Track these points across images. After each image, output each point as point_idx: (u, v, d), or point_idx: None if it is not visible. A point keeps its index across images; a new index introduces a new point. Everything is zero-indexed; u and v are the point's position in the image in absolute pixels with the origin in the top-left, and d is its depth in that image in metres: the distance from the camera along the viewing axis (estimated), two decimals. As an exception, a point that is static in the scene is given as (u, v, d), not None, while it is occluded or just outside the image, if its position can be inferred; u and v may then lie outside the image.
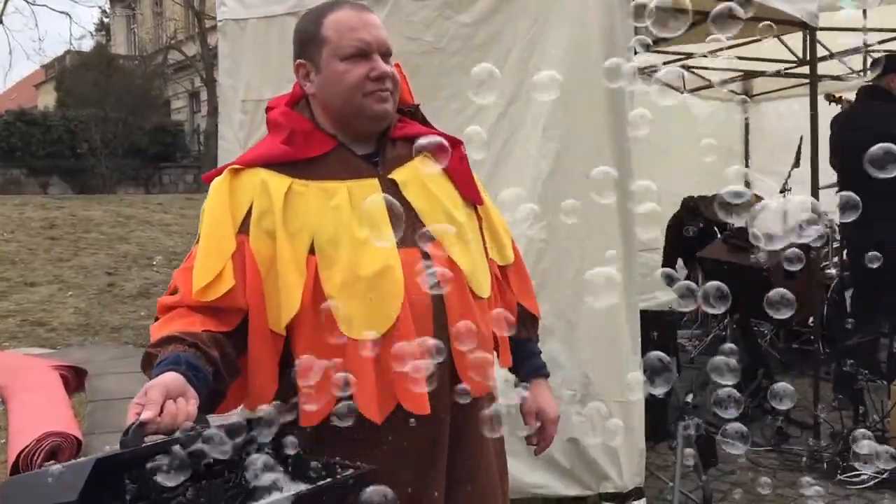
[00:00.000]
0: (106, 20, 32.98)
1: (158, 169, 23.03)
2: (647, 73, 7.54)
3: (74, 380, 5.69)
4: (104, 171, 19.75)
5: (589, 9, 3.21)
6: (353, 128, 1.74)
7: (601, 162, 3.22)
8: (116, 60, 26.05)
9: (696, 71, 7.88)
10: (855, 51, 6.78)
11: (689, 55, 7.05)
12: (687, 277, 7.29)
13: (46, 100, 29.03)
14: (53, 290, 8.50)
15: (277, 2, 3.94)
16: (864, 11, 6.32)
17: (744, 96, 8.71)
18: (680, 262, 6.79)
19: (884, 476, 3.87)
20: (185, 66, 25.20)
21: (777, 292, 1.88)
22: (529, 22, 3.32)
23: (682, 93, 8.13)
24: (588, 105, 3.16)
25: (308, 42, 1.73)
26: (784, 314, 1.88)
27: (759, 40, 6.12)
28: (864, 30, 6.56)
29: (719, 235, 6.04)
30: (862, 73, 7.24)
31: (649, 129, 2.10)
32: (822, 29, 4.96)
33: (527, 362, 1.94)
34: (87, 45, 29.79)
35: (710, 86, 8.15)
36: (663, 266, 7.30)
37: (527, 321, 1.93)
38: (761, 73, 7.76)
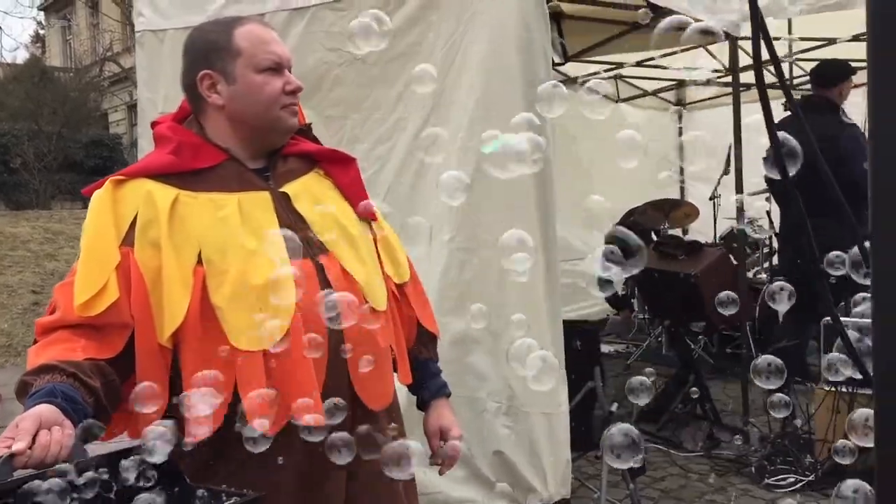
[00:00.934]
0: (41, 32, 32.23)
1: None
2: (579, 82, 7.65)
3: (-14, 405, 5.46)
4: (38, 185, 19.21)
5: (507, 20, 3.20)
6: (261, 140, 1.73)
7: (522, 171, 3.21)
8: (51, 72, 25.43)
9: (628, 80, 7.99)
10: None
11: (620, 65, 7.14)
12: (625, 287, 7.36)
13: (-21, 113, 28.17)
14: (-25, 311, 8.21)
15: (196, 12, 3.85)
16: (789, 21, 6.47)
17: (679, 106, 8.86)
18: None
19: (809, 479, 3.93)
20: (123, 78, 24.72)
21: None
22: (448, 32, 3.30)
23: (616, 102, 8.23)
24: (507, 115, 3.13)
25: (218, 52, 1.70)
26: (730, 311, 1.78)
27: (686, 50, 6.26)
28: (789, 39, 6.73)
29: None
30: (788, 82, 7.41)
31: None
32: (744, 38, 5.05)
33: (428, 382, 1.93)
34: (22, 56, 29.05)
35: (643, 95, 8.28)
36: (601, 274, 7.36)
37: (426, 340, 1.92)
38: (692, 83, 7.90)
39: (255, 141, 1.73)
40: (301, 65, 3.61)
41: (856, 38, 5.91)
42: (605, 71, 7.37)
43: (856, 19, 5.60)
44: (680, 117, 9.09)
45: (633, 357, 6.41)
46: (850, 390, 3.90)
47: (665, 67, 7.08)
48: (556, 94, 1.40)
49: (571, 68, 7.16)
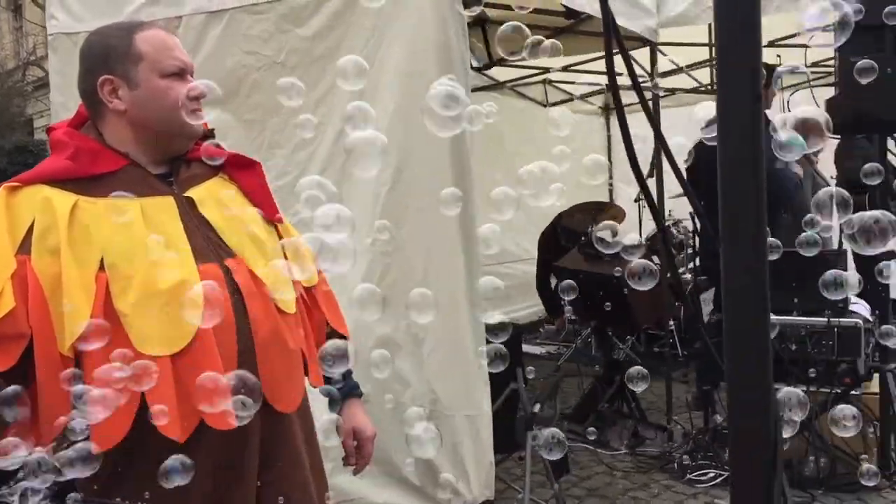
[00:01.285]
0: (-39, 35, 31.18)
1: (20, 191, 21.80)
2: (508, 86, 7.71)
3: None
4: (-43, 194, 18.55)
5: (425, 24, 3.21)
6: (164, 145, 1.72)
7: (441, 176, 3.22)
8: (-29, 77, 24.61)
9: (556, 85, 8.10)
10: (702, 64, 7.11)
11: (548, 69, 7.23)
12: (555, 288, 7.45)
13: None
14: None
15: (111, 15, 3.77)
16: (709, 27, 6.63)
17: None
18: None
19: (729, 473, 4.02)
20: (47, 83, 24.01)
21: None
22: (366, 36, 3.29)
23: (545, 106, 8.33)
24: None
25: (119, 57, 1.68)
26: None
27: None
28: (710, 45, 6.90)
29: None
30: (710, 87, 7.61)
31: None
32: (663, 44, 5.17)
33: (339, 384, 1.92)
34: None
35: (570, 99, 8.40)
36: (537, 278, 7.48)
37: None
38: (619, 87, 8.04)
39: (157, 146, 1.71)
40: (219, 69, 3.56)
41: (770, 45, 6.10)
42: (533, 76, 7.47)
43: (770, 26, 5.79)
44: (607, 121, 9.25)
45: (563, 358, 6.48)
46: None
47: (591, 72, 7.20)
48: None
49: (500, 72, 7.24)
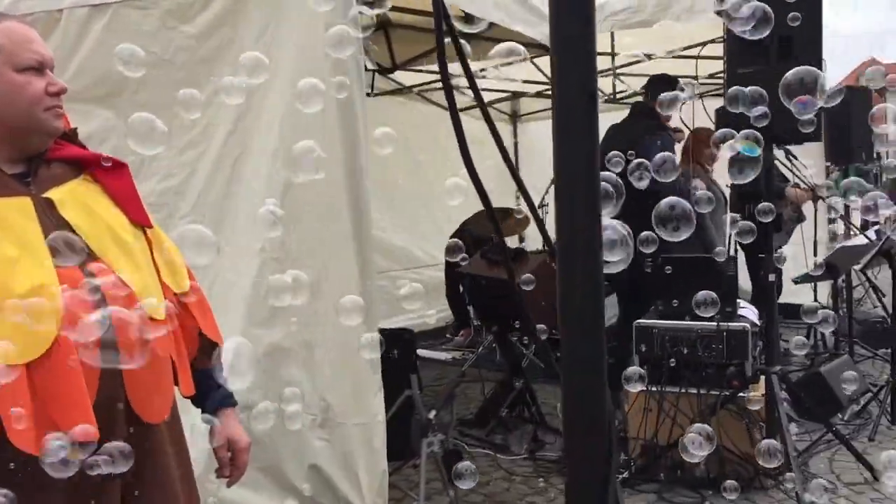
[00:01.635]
0: None
1: None
2: (415, 90, 7.68)
3: None
4: None
5: (315, 24, 3.14)
6: (20, 143, 1.65)
7: (335, 181, 3.16)
8: None
9: (464, 90, 8.12)
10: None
11: (453, 75, 7.24)
12: (462, 294, 7.45)
13: None
14: None
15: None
16: (612, 34, 6.77)
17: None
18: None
19: (624, 476, 4.08)
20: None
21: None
22: (255, 36, 3.20)
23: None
24: (318, 121, 3.07)
25: None
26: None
27: (511, 62, 6.43)
28: (612, 54, 7.05)
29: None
30: (612, 96, 7.78)
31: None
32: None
33: (212, 393, 1.87)
34: None
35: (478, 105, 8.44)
36: (446, 286, 7.47)
37: (209, 350, 1.86)
38: (523, 94, 8.16)
39: (13, 144, 1.64)
40: (103, 65, 3.40)
41: (669, 54, 6.30)
42: (438, 80, 7.46)
43: (671, 37, 5.97)
44: (515, 128, 9.35)
45: (467, 364, 6.49)
46: (659, 390, 4.09)
47: (498, 79, 7.26)
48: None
49: (405, 77, 7.22)
